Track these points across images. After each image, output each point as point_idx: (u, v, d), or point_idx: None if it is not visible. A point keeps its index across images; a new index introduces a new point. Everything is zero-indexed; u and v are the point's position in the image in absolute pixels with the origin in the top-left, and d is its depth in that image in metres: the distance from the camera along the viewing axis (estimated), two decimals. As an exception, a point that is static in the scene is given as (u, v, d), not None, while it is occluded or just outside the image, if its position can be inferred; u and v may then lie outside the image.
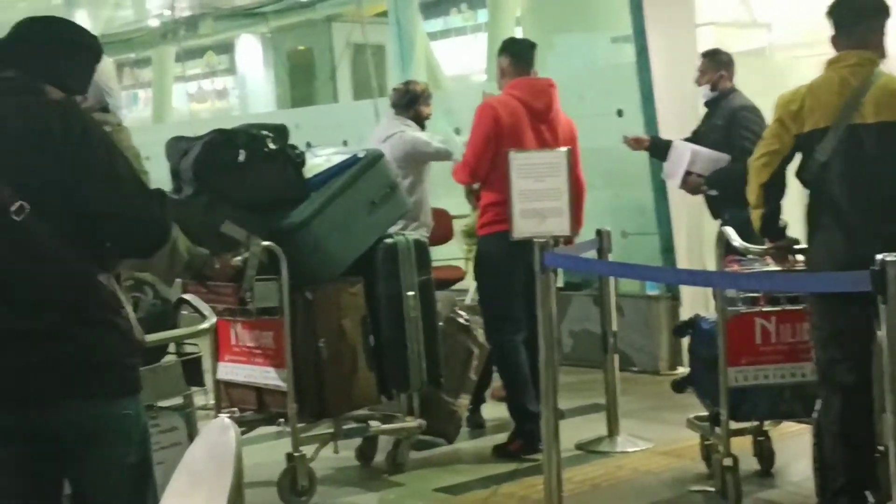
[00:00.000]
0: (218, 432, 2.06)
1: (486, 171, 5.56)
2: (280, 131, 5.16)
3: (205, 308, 3.72)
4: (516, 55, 5.77)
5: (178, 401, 3.69)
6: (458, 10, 15.21)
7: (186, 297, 3.93)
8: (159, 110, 14.29)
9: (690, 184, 6.38)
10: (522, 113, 5.57)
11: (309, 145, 5.80)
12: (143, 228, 2.83)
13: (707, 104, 6.48)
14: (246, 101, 15.67)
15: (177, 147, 5.35)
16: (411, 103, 6.46)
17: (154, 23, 12.71)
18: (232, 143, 4.97)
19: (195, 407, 3.72)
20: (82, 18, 13.98)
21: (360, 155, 5.26)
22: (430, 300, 5.36)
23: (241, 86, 15.80)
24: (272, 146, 4.98)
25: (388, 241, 5.22)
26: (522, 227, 4.96)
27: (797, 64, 8.07)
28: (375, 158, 5.24)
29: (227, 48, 15.56)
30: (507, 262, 5.40)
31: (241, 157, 4.91)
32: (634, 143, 6.65)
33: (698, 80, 6.48)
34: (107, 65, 4.74)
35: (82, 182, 2.70)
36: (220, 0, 12.58)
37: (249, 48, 14.99)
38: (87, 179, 2.71)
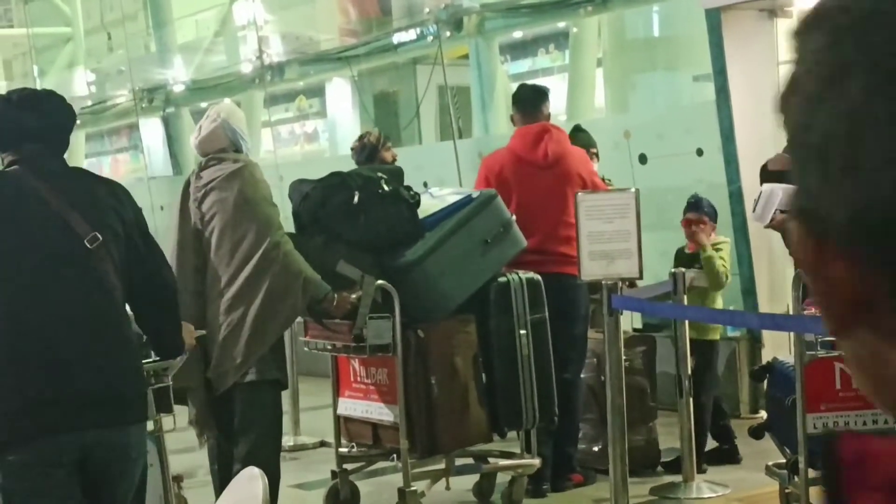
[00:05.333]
0: (246, 482, 2.06)
1: None
2: (395, 173, 5.42)
3: None
4: (519, 103, 5.90)
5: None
6: (546, 51, 15.22)
7: None
8: (251, 152, 14.53)
9: (777, 220, 6.25)
10: (515, 163, 5.69)
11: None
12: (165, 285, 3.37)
13: None
14: (336, 143, 15.87)
15: (298, 189, 5.67)
16: (372, 155, 6.24)
17: (244, 68, 12.96)
18: (347, 186, 5.23)
19: (164, 431, 4.10)
20: (177, 64, 14.36)
21: (474, 195, 5.35)
22: (544, 338, 5.36)
23: (331, 129, 16.00)
24: (386, 188, 5.18)
25: (501, 279, 5.27)
26: (590, 269, 4.90)
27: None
28: (489, 198, 5.32)
29: (316, 92, 15.80)
30: None
31: (356, 198, 5.10)
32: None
33: None
34: (239, 112, 5.22)
35: (134, 236, 3.26)
36: (307, 45, 12.80)
37: (339, 92, 15.20)
38: (139, 236, 3.29)
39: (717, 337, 6.26)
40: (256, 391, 4.64)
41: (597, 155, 6.62)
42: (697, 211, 6.13)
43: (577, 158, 5.78)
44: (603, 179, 6.53)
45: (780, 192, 6.17)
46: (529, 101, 5.89)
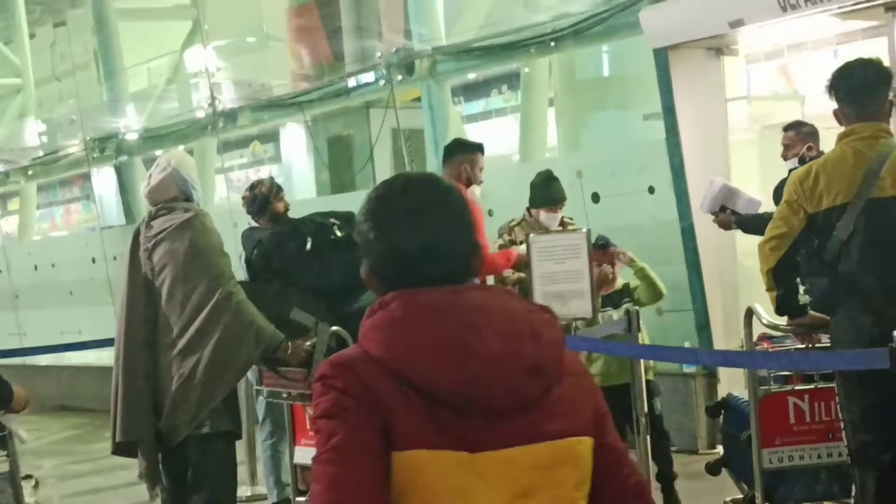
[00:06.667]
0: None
1: None
2: (347, 219, 5.38)
3: None
4: None
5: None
6: (499, 92, 15.31)
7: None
8: (202, 200, 14.45)
9: (722, 219, 6.28)
10: None
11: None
12: None
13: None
14: (291, 189, 15.83)
15: (251, 237, 5.62)
16: (264, 206, 6.12)
17: (197, 115, 12.92)
18: (299, 232, 5.25)
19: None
20: (129, 112, 14.28)
21: None
22: None
23: (286, 174, 15.98)
24: (339, 234, 5.18)
25: None
26: (544, 311, 4.90)
27: (831, 135, 8.00)
28: None
29: (270, 137, 15.78)
30: None
31: (309, 245, 5.12)
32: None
33: (784, 154, 6.29)
34: (190, 160, 5.20)
35: None
36: (260, 91, 12.77)
37: (293, 137, 15.20)
38: None
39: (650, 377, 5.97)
40: (210, 443, 4.58)
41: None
42: (607, 248, 6.03)
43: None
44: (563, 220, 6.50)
45: (719, 187, 6.22)
46: (444, 153, 6.25)
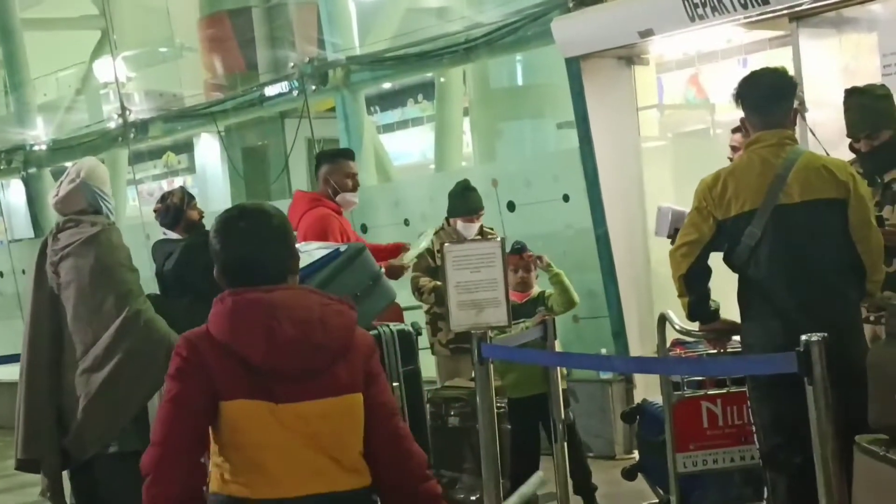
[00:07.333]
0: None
1: None
2: None
3: None
4: None
5: None
6: (415, 101, 15.33)
7: None
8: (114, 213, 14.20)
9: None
10: None
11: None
12: None
13: None
14: (206, 200, 15.63)
15: (162, 249, 5.49)
16: (177, 216, 5.90)
17: (107, 126, 12.70)
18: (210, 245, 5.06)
19: None
20: (37, 124, 13.99)
21: (342, 249, 5.27)
22: (417, 389, 5.29)
23: (201, 184, 15.79)
24: None
25: (373, 332, 5.16)
26: (460, 319, 4.90)
27: (741, 142, 8.13)
28: (357, 252, 5.24)
29: (184, 148, 15.59)
30: None
31: None
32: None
33: (732, 155, 6.33)
34: (101, 171, 4.99)
35: None
36: (172, 101, 12.60)
37: (207, 147, 15.03)
38: None
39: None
40: (118, 463, 4.46)
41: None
42: (523, 253, 6.04)
43: (311, 215, 5.88)
44: (482, 229, 6.54)
45: (669, 213, 6.27)
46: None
